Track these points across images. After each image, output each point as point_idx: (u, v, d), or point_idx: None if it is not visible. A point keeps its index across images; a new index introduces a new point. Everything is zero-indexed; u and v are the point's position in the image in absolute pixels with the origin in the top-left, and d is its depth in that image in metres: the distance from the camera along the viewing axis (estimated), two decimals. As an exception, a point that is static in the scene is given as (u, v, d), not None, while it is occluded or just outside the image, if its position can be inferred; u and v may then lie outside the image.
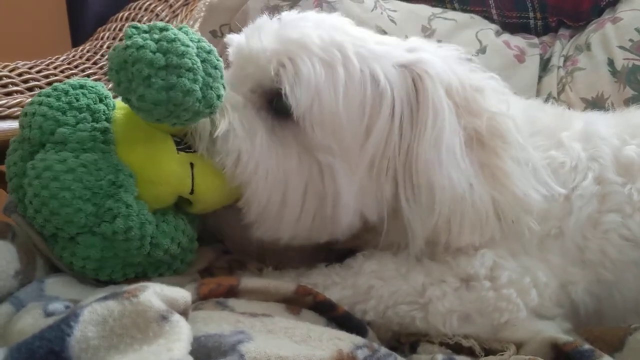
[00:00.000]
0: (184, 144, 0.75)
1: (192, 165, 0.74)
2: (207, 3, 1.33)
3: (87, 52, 1.23)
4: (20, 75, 1.03)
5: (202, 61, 0.69)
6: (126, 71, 0.67)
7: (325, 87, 0.73)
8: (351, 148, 0.75)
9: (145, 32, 0.69)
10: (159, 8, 1.38)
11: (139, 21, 1.34)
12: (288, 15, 0.82)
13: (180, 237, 0.75)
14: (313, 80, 0.73)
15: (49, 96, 0.73)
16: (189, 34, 0.71)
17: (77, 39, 1.48)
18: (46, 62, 1.12)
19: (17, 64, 1.05)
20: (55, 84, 0.75)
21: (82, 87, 0.74)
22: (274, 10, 1.16)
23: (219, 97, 0.71)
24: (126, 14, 1.36)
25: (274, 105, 0.76)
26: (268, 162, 0.74)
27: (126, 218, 0.69)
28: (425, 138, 0.75)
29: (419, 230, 0.76)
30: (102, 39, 1.29)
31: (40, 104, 0.72)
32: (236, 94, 0.77)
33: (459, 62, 0.82)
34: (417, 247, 0.77)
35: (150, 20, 1.35)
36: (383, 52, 0.78)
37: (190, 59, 0.67)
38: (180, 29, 0.70)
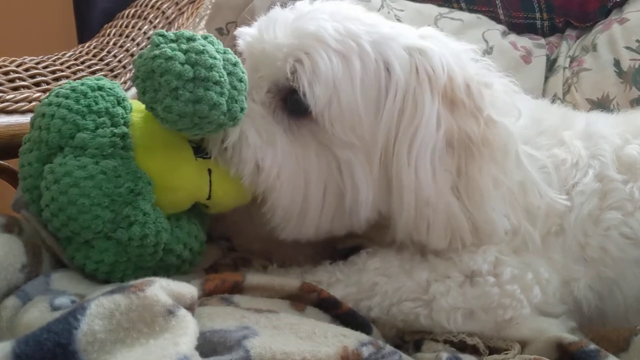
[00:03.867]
0: (201, 150, 0.75)
1: (209, 171, 0.74)
2: (213, 1, 1.33)
3: (94, 48, 1.23)
4: (27, 70, 1.04)
5: (229, 74, 0.69)
6: (153, 81, 0.67)
7: (343, 81, 0.72)
8: (369, 141, 0.74)
9: (173, 41, 0.68)
10: (165, 5, 1.37)
11: (145, 18, 1.34)
12: (303, 5, 0.80)
13: (193, 243, 0.75)
14: (331, 75, 0.72)
15: (67, 98, 0.71)
16: (215, 44, 0.70)
17: (83, 35, 1.49)
18: (53, 58, 1.12)
19: (24, 59, 1.06)
20: (73, 84, 0.73)
21: (100, 88, 0.73)
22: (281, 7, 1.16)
23: (242, 110, 0.71)
24: (132, 10, 1.35)
25: (288, 102, 0.75)
26: (289, 165, 0.74)
27: (142, 226, 0.69)
28: (400, 133, 0.74)
29: (398, 228, 0.76)
30: (108, 35, 1.29)
31: (59, 105, 0.70)
32: (251, 100, 0.75)
33: (471, 58, 0.81)
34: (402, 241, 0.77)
35: (156, 18, 1.35)
36: (395, 34, 0.77)
37: (217, 72, 0.67)
38: (205, 38, 0.70)
